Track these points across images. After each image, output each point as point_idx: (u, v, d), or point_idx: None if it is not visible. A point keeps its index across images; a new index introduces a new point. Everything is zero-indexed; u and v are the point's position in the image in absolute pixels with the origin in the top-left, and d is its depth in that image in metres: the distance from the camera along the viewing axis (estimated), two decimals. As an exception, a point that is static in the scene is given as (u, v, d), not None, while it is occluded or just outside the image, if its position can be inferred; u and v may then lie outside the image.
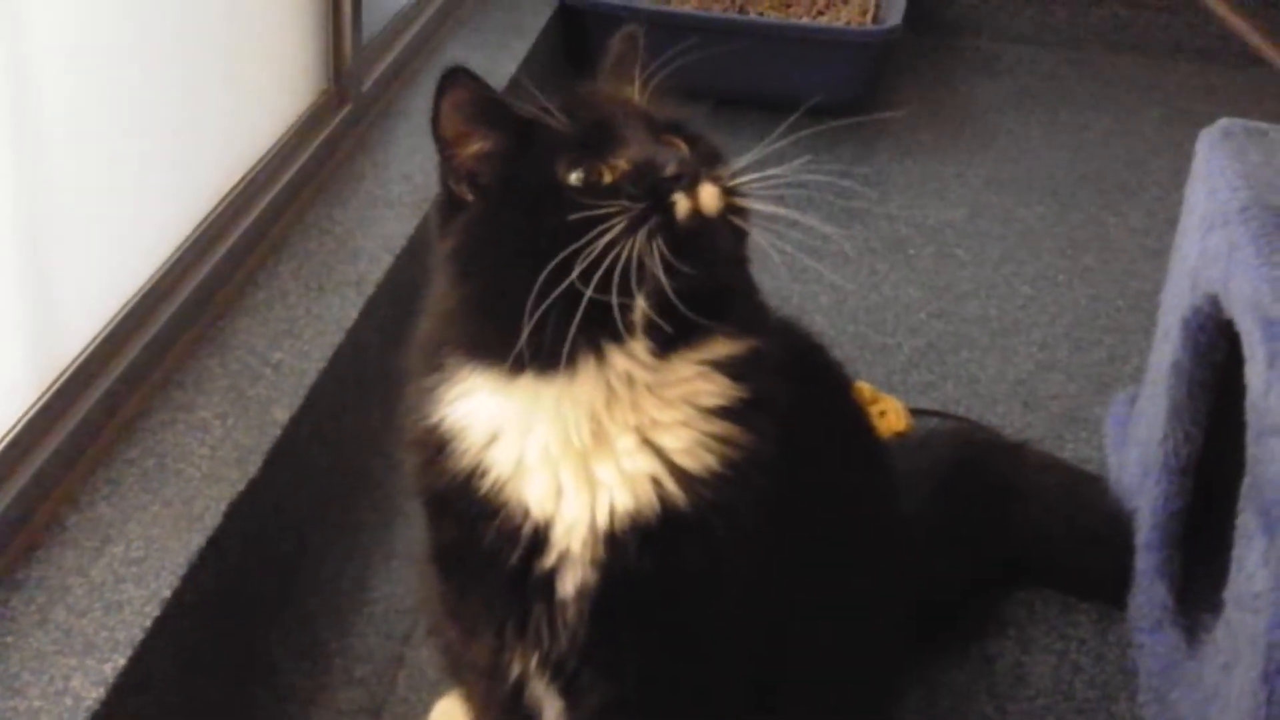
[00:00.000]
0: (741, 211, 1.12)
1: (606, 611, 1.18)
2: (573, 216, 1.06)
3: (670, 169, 1.08)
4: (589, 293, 1.04)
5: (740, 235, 1.13)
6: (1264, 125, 1.76)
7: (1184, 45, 3.54)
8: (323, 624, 1.72)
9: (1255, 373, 1.41)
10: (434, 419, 1.18)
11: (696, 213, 1.07)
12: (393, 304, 1.97)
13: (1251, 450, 1.41)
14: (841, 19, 3.24)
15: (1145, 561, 1.72)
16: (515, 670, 1.25)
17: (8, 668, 1.33)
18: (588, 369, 1.11)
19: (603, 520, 1.15)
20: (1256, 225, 1.53)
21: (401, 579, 1.78)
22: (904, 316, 2.41)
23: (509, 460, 1.15)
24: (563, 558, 1.16)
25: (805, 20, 3.24)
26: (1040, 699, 1.68)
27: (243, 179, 2.00)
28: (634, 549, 1.15)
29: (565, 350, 1.07)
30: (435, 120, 1.14)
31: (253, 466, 1.61)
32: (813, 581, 1.30)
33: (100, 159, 1.66)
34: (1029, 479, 1.83)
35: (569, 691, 1.25)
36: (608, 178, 1.10)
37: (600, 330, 1.08)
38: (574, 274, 1.04)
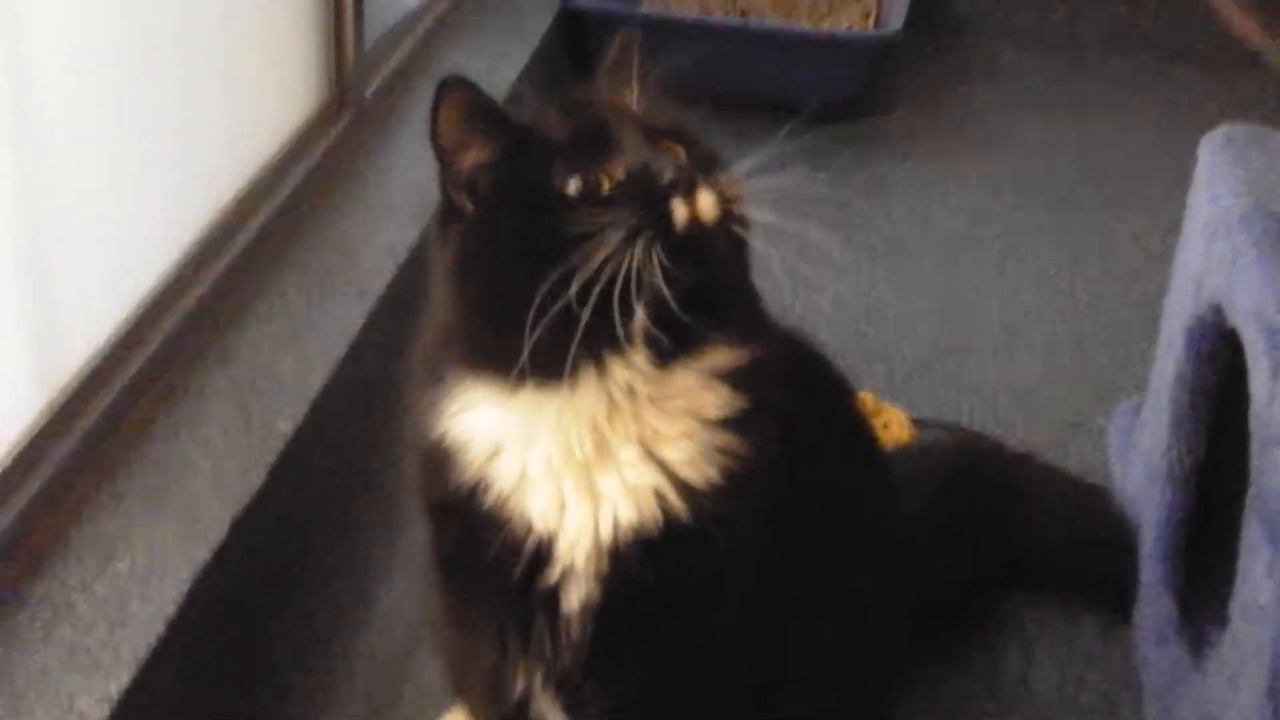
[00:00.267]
0: (741, 219, 1.12)
1: (610, 624, 1.18)
2: (570, 228, 1.06)
3: (667, 175, 1.07)
4: (589, 305, 1.04)
5: (740, 243, 1.13)
6: (1267, 130, 1.76)
7: (1186, 49, 3.54)
8: (327, 635, 1.72)
9: (1259, 382, 1.41)
10: (436, 432, 1.18)
11: (695, 220, 1.07)
12: (396, 312, 1.97)
13: (1256, 461, 1.41)
14: (843, 23, 3.24)
15: (1150, 573, 1.72)
16: (519, 684, 1.25)
17: (13, 685, 1.32)
18: (589, 380, 1.11)
19: (606, 533, 1.15)
20: (1259, 232, 1.53)
21: (406, 590, 1.78)
22: (906, 325, 2.40)
23: (512, 473, 1.15)
24: (566, 571, 1.16)
25: (806, 24, 3.24)
26: (1044, 711, 1.68)
27: (244, 187, 1.99)
28: (637, 561, 1.15)
29: (567, 362, 1.07)
30: (433, 129, 1.14)
31: (257, 478, 1.61)
32: (814, 590, 1.30)
33: (101, 168, 1.66)
34: (1032, 489, 1.83)
35: (573, 705, 1.25)
36: (605, 186, 1.09)
37: (601, 341, 1.08)
38: (573, 287, 1.04)
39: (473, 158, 1.14)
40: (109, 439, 1.61)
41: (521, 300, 1.05)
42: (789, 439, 1.19)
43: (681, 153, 1.13)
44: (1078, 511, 1.84)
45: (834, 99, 2.83)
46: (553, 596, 1.18)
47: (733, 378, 1.16)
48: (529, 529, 1.15)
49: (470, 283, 1.13)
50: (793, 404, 1.19)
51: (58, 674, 1.34)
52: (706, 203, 1.08)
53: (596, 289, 1.04)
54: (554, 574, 1.16)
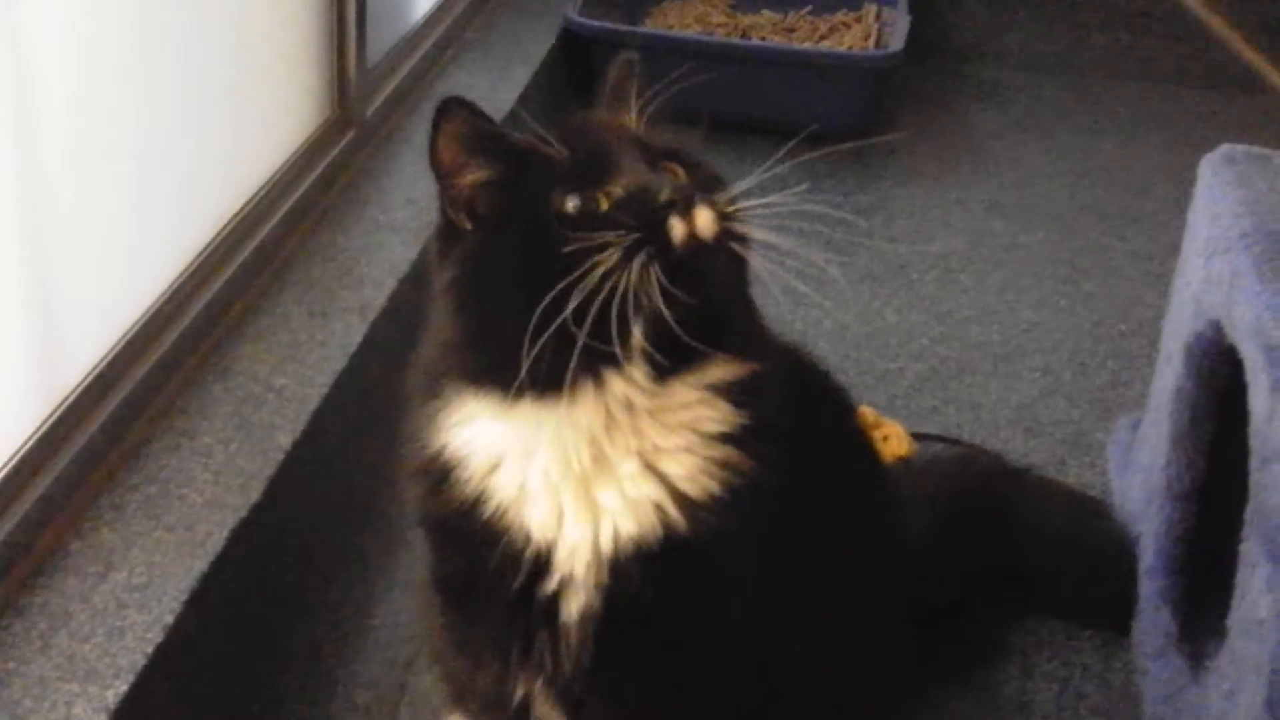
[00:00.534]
0: (740, 238, 1.12)
1: (610, 636, 1.18)
2: (568, 247, 1.06)
3: (664, 195, 1.08)
4: (587, 323, 1.05)
5: (740, 261, 1.13)
6: (1266, 151, 1.77)
7: (1186, 71, 3.55)
8: (325, 650, 1.72)
9: (1258, 399, 1.41)
10: (435, 447, 1.19)
11: (693, 238, 1.07)
12: (396, 329, 1.97)
13: (1255, 477, 1.41)
14: (844, 44, 3.25)
15: (1149, 587, 1.72)
16: (519, 696, 1.25)
17: (10, 694, 1.32)
18: (587, 395, 1.11)
19: (606, 545, 1.15)
20: (1259, 251, 1.53)
21: (404, 605, 1.78)
22: (907, 342, 2.41)
23: (511, 486, 1.15)
24: (565, 582, 1.16)
25: (808, 46, 3.25)
26: (1044, 725, 1.68)
27: (246, 204, 2.00)
28: (637, 574, 1.15)
29: (566, 378, 1.08)
30: (432, 150, 1.15)
31: (255, 492, 1.61)
32: (814, 603, 1.30)
33: (104, 182, 1.66)
34: (1031, 505, 1.83)
35: (574, 716, 1.25)
36: (604, 205, 1.10)
37: (598, 357, 1.08)
38: (571, 305, 1.05)
39: (472, 178, 1.15)
40: (109, 451, 1.62)
41: (520, 317, 1.06)
42: (789, 453, 1.19)
43: (681, 173, 1.14)
44: (1076, 527, 1.85)
45: (835, 120, 2.84)
46: (552, 607, 1.18)
47: (732, 392, 1.16)
48: (528, 540, 1.16)
49: (469, 300, 1.14)
50: (793, 418, 1.19)
51: (55, 683, 1.34)
52: (705, 220, 1.08)
53: (594, 307, 1.04)
54: (552, 584, 1.16)
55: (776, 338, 1.26)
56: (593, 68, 3.02)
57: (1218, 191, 1.70)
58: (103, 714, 1.31)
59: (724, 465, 1.16)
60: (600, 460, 1.14)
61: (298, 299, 1.97)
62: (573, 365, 1.07)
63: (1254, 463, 1.42)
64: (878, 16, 3.34)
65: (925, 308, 2.52)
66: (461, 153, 1.14)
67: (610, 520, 1.15)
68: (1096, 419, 2.21)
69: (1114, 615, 1.78)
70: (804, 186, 1.14)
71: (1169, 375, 1.75)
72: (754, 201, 1.13)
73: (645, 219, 1.07)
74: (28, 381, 1.55)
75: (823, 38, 3.30)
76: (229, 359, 1.83)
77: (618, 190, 1.10)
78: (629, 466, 1.14)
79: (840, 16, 3.38)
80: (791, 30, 3.33)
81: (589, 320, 1.05)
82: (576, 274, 1.05)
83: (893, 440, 2.03)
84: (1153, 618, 1.69)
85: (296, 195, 2.11)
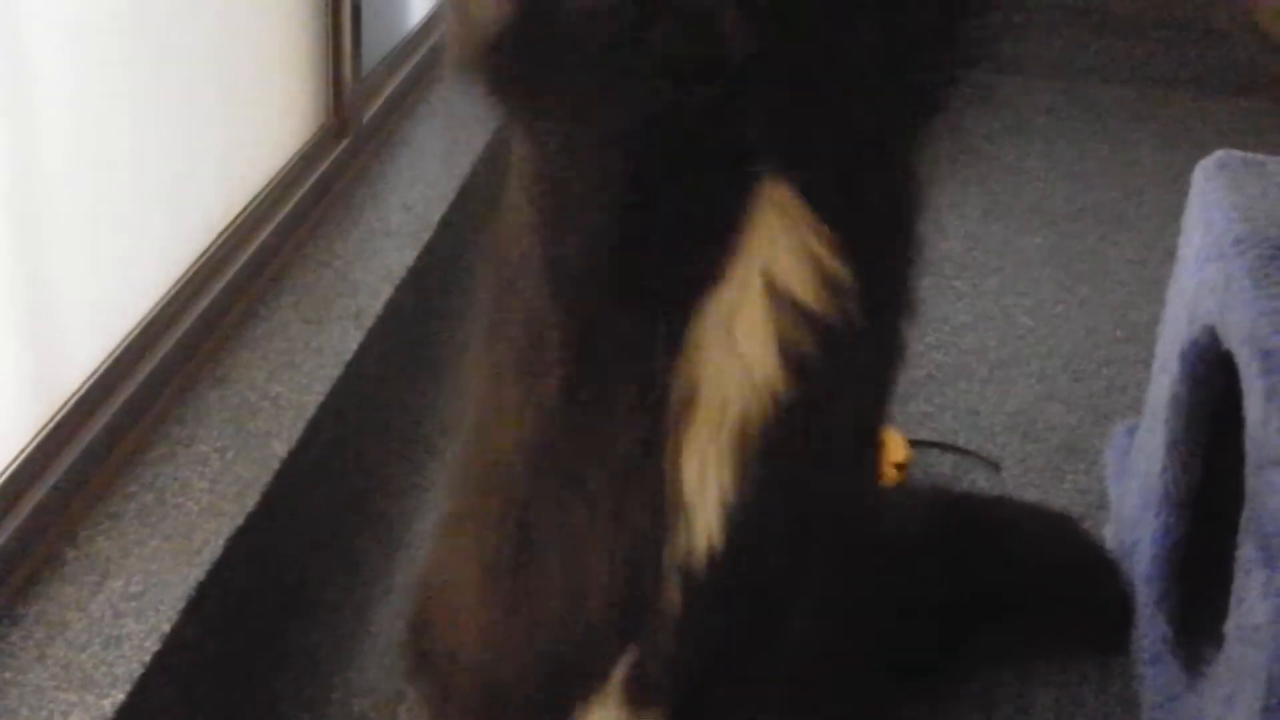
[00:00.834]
0: None
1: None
2: None
3: None
4: None
5: None
6: (1260, 157, 1.77)
7: (1180, 77, 3.56)
8: (323, 657, 1.72)
9: (1254, 405, 1.41)
10: None
11: None
12: (393, 334, 1.97)
13: (1251, 482, 1.41)
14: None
15: (1146, 593, 1.72)
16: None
17: (6, 703, 1.32)
18: None
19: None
20: (1253, 257, 1.53)
21: (402, 610, 1.78)
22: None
23: None
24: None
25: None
26: (1041, 731, 1.68)
27: (242, 211, 2.00)
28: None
29: None
30: None
31: (252, 500, 1.61)
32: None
33: (101, 188, 1.66)
34: (1005, 541, 1.80)
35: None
36: None
37: None
38: None
39: None
40: (105, 459, 1.61)
41: None
42: None
43: None
44: (1055, 554, 1.82)
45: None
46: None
47: None
48: None
49: None
50: None
51: (52, 692, 1.34)
52: None
53: None
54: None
55: None
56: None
57: (1212, 197, 1.70)
58: (100, 723, 1.31)
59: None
60: None
61: (294, 306, 1.97)
62: None
63: (1250, 468, 1.42)
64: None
65: (921, 312, 2.51)
66: None
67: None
68: (1093, 425, 2.21)
69: (1104, 634, 1.77)
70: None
71: (1165, 381, 1.75)
72: None
73: None
74: (24, 390, 1.55)
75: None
76: (225, 366, 1.83)
77: None
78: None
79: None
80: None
81: None
82: None
83: (889, 447, 2.03)
84: (1150, 623, 1.69)
85: (292, 202, 2.11)
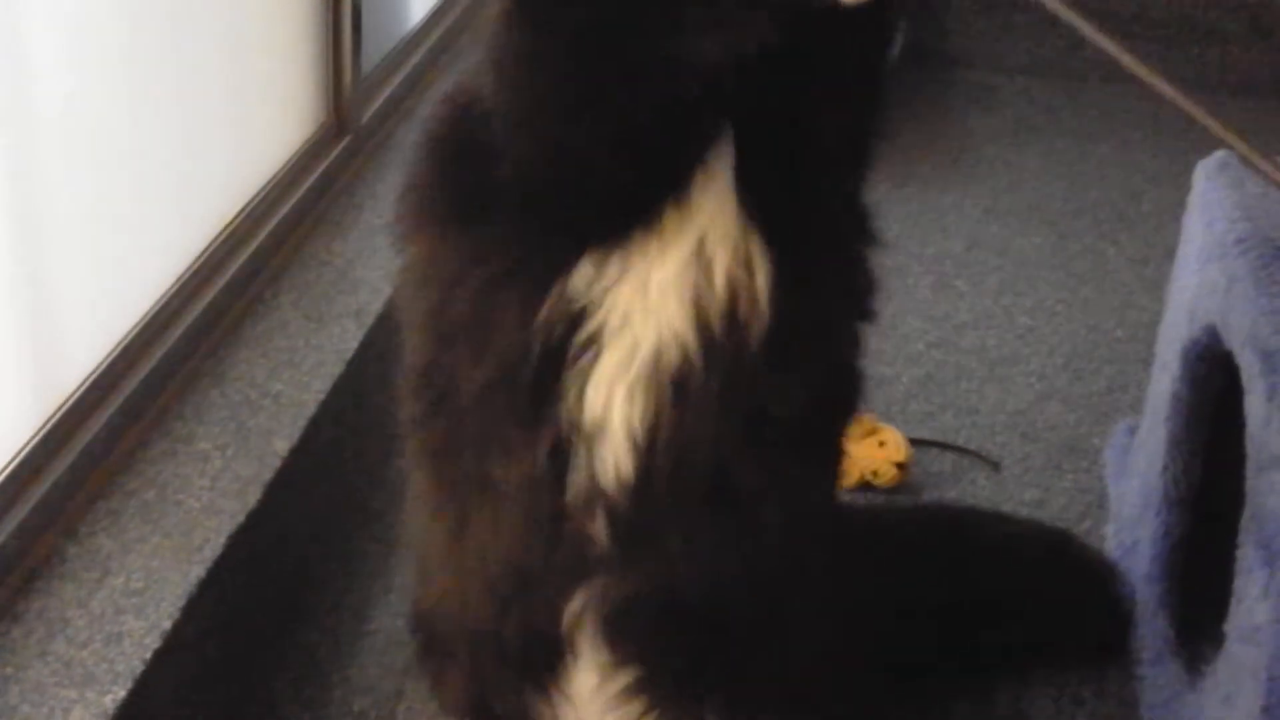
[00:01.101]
0: None
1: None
2: None
3: None
4: None
5: None
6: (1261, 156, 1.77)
7: (1180, 76, 3.53)
8: (322, 655, 1.72)
9: (1255, 405, 1.41)
10: None
11: None
12: (392, 333, 1.97)
13: (1251, 483, 1.41)
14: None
15: (1146, 593, 1.72)
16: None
17: (7, 700, 1.32)
18: None
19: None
20: (1255, 257, 1.53)
21: (401, 610, 1.78)
22: (903, 346, 2.41)
23: None
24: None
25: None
26: (1041, 730, 1.68)
27: (242, 210, 2.00)
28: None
29: None
30: None
31: (252, 498, 1.61)
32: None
33: (101, 187, 1.67)
34: (1000, 555, 1.79)
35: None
36: None
37: None
38: None
39: None
40: (106, 456, 1.62)
41: None
42: None
43: None
44: (1045, 570, 1.82)
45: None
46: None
47: None
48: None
49: None
50: None
51: (52, 689, 1.34)
52: None
53: None
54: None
55: None
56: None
57: (1212, 197, 1.70)
58: (101, 719, 1.31)
59: None
60: None
61: (294, 304, 1.97)
62: None
63: (1250, 469, 1.42)
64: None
65: (921, 312, 2.52)
66: None
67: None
68: (1093, 424, 2.21)
69: (1102, 649, 1.76)
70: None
71: (1165, 381, 1.75)
72: None
73: None
74: (25, 387, 1.55)
75: (818, 43, 3.29)
76: (225, 365, 1.83)
77: None
78: None
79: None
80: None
81: None
82: None
83: (889, 446, 2.03)
84: (1150, 623, 1.69)
85: (292, 201, 2.11)
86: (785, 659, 1.29)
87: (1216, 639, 1.46)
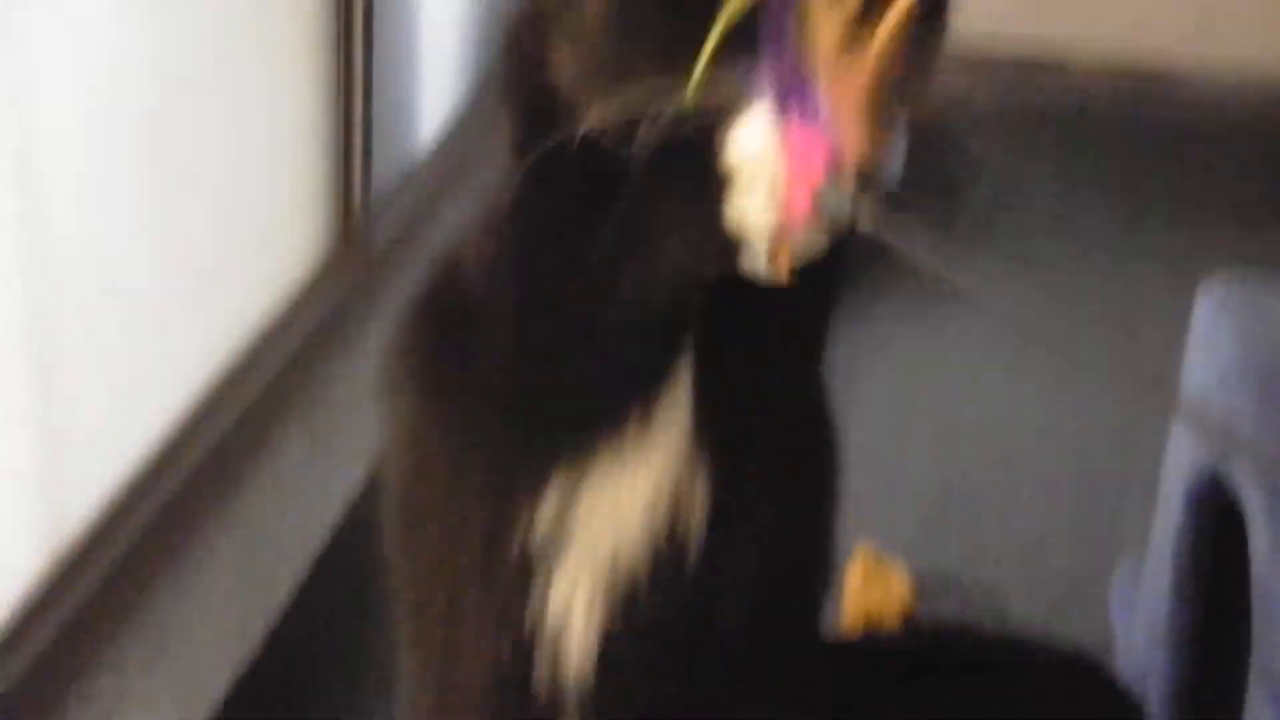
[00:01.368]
0: None
1: None
2: None
3: None
4: None
5: None
6: (1262, 284, 1.77)
7: (1181, 202, 3.59)
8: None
9: (1259, 546, 1.41)
10: None
11: None
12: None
13: (1257, 625, 1.40)
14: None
15: (1154, 733, 1.71)
16: None
17: None
18: None
19: None
20: (1257, 382, 1.53)
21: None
22: (908, 480, 2.40)
23: None
24: None
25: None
26: None
27: (249, 340, 2.01)
28: None
29: None
30: None
31: (255, 640, 1.60)
32: None
33: (109, 320, 1.67)
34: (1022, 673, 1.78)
35: None
36: None
37: None
38: None
39: None
40: (110, 599, 1.61)
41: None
42: None
43: None
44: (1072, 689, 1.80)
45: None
46: None
47: None
48: None
49: None
50: None
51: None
52: None
53: None
54: None
55: None
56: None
57: (1214, 322, 1.70)
58: None
59: None
60: None
61: (300, 438, 1.97)
62: None
63: (1256, 609, 1.41)
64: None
65: (925, 445, 2.52)
66: None
67: None
68: (1098, 561, 2.20)
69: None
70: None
71: (1169, 517, 1.75)
72: None
73: None
74: (30, 528, 1.55)
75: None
76: (231, 503, 1.82)
77: None
78: None
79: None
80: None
81: None
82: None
83: (894, 586, 2.02)
84: (1159, 764, 1.68)
85: (301, 331, 2.12)
86: None
87: (1228, 781, 1.45)
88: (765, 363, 1.14)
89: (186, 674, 1.53)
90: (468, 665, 1.19)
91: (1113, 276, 3.23)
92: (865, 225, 0.94)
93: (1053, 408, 2.67)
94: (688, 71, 0.91)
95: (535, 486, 1.11)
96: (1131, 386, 2.47)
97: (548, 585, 1.13)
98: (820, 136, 0.93)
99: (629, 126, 0.94)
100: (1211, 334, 1.69)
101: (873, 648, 1.83)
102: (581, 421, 1.10)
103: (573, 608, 1.14)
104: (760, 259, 0.96)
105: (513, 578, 1.13)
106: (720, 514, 1.15)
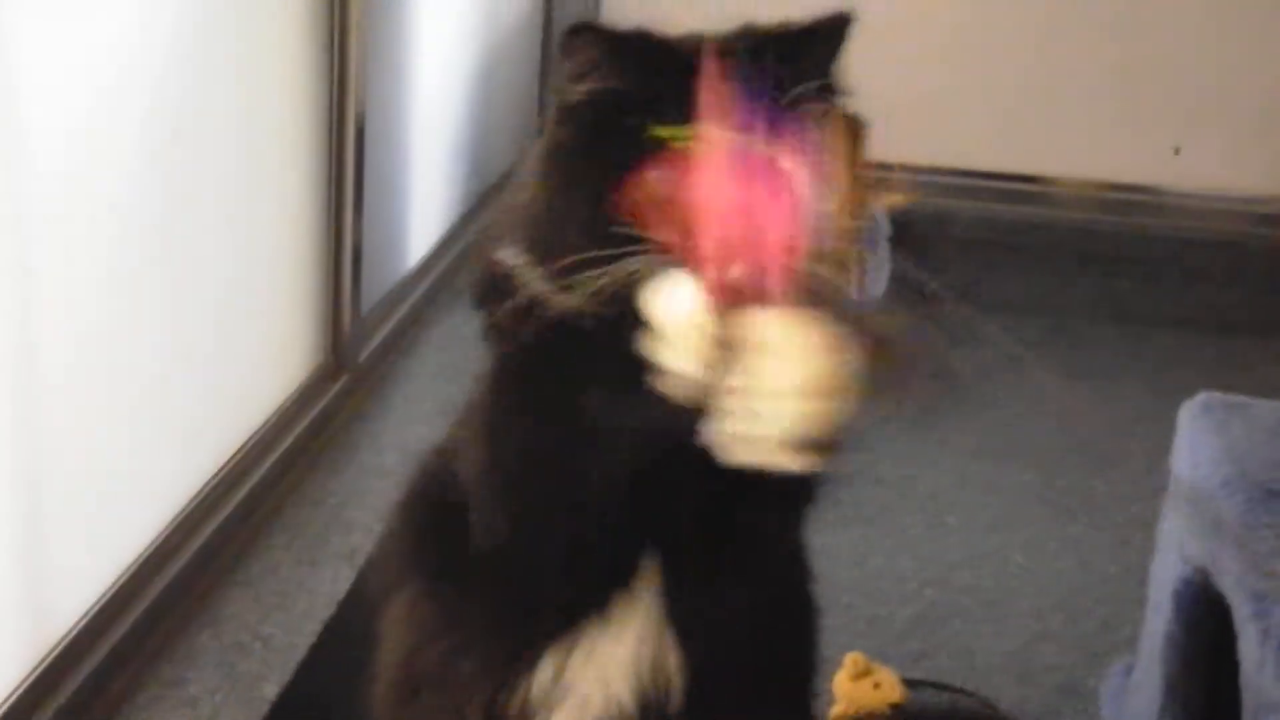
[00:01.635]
0: None
1: None
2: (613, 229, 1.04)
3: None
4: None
5: None
6: (1243, 399, 1.79)
7: (1164, 315, 3.62)
8: None
9: (1248, 648, 1.41)
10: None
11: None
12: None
13: (1248, 726, 1.40)
14: (827, 290, 3.31)
15: (1148, 840, 1.69)
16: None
17: None
18: None
19: None
20: (1241, 499, 1.54)
21: None
22: (896, 586, 2.40)
23: None
24: None
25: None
26: None
27: (237, 451, 2.02)
28: None
29: None
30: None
31: (241, 744, 1.59)
32: None
33: (99, 427, 1.68)
34: None
35: None
36: None
37: None
38: (605, 270, 1.03)
39: (582, 88, 1.10)
40: (95, 702, 1.60)
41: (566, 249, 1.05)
42: None
43: None
44: None
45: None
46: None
47: None
48: None
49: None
50: None
51: None
52: None
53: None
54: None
55: None
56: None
57: (1198, 439, 1.72)
58: None
59: None
60: None
61: (287, 545, 1.97)
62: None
63: (1246, 714, 1.41)
64: (859, 261, 3.41)
65: (913, 551, 2.52)
66: (589, 61, 1.09)
67: None
68: (1088, 665, 2.19)
69: None
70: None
71: (1158, 621, 1.75)
72: None
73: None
74: (15, 631, 1.54)
75: (806, 283, 3.35)
76: (217, 606, 1.82)
77: None
78: None
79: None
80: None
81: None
82: (613, 251, 1.03)
83: (884, 687, 2.01)
84: None
85: (288, 441, 2.14)
86: None
87: None
88: (735, 540, 1.18)
89: (170, 779, 1.52)
90: None
91: (1100, 386, 3.25)
92: None
93: (1040, 511, 2.67)
94: (610, 246, 1.01)
95: (527, 659, 1.16)
96: (1119, 491, 2.50)
97: None
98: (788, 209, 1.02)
99: (577, 296, 1.03)
100: (1195, 447, 1.71)
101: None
102: (567, 598, 1.16)
103: None
104: (722, 433, 1.02)
105: None
106: (698, 672, 1.20)
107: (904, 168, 3.52)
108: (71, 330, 1.61)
